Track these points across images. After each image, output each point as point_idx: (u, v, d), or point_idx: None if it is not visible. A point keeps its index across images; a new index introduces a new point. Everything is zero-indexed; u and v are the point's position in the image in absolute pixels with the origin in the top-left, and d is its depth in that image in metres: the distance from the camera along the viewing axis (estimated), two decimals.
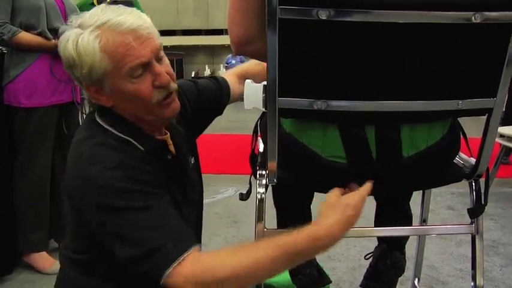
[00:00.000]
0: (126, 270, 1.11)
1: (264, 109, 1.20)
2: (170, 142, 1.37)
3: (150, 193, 1.15)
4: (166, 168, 1.31)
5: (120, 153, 1.17)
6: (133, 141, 1.24)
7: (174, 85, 1.27)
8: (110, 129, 1.24)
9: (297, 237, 1.11)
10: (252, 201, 1.33)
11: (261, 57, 1.28)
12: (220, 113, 1.67)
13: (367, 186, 1.21)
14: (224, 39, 29.13)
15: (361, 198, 1.18)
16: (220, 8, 29.52)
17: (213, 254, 1.12)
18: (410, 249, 1.88)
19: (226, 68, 13.71)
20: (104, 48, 1.15)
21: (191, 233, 1.17)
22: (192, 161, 1.49)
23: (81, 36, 1.16)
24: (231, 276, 1.07)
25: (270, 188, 1.43)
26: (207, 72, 26.70)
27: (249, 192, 1.43)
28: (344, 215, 1.14)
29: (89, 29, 1.16)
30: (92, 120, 1.28)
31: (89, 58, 1.16)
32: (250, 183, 1.40)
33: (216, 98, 1.63)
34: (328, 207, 1.17)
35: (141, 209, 1.11)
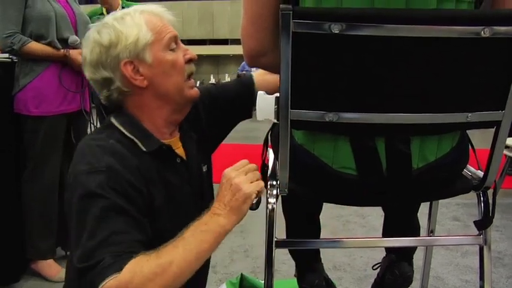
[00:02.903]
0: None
1: (276, 120, 1.22)
2: (178, 145, 1.44)
3: (118, 207, 1.17)
4: (173, 171, 1.37)
5: (111, 157, 1.22)
6: (137, 141, 1.32)
7: (194, 67, 1.42)
8: (120, 127, 1.33)
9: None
10: (258, 211, 1.34)
11: (273, 69, 1.29)
12: (247, 114, 1.71)
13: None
14: (229, 49, 29.17)
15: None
16: (225, 18, 29.61)
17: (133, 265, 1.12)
18: (416, 259, 1.88)
19: (238, 76, 13.70)
20: (148, 21, 1.33)
21: (131, 250, 1.15)
22: (205, 168, 1.54)
23: (127, 15, 1.33)
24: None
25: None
26: (212, 81, 26.74)
27: (259, 202, 1.44)
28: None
29: (130, 12, 1.34)
30: (108, 122, 1.38)
31: (135, 29, 1.30)
32: None
33: (237, 96, 1.68)
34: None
35: (101, 218, 1.14)
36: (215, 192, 1.32)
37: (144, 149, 1.31)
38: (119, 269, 1.08)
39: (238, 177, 1.26)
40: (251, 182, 1.26)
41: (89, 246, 1.12)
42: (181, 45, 1.40)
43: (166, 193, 1.32)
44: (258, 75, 1.73)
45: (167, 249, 1.15)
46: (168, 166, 1.37)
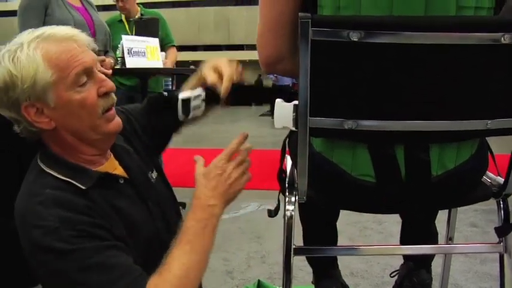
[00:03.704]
0: None
1: (294, 128, 1.22)
2: (115, 165, 1.33)
3: (93, 249, 1.10)
4: (119, 195, 1.27)
5: (58, 208, 1.11)
6: (73, 182, 1.18)
7: (114, 97, 1.26)
8: (50, 171, 1.19)
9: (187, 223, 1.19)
10: (274, 217, 1.35)
11: (290, 75, 1.30)
12: (172, 121, 1.59)
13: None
14: (244, 55, 29.26)
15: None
16: (241, 23, 29.70)
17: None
18: (435, 266, 1.87)
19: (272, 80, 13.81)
20: (46, 56, 1.12)
21: (139, 275, 1.13)
22: (154, 175, 1.44)
23: (18, 51, 1.11)
24: None
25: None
26: None
27: (277, 208, 1.44)
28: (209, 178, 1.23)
29: (26, 41, 1.13)
30: (34, 165, 1.24)
31: (31, 69, 1.10)
32: (278, 200, 1.42)
33: (150, 108, 1.60)
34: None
35: (86, 269, 1.08)
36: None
37: (83, 187, 1.18)
38: None
39: (235, 170, 1.24)
40: (243, 173, 1.26)
41: None
42: (98, 75, 1.20)
43: (122, 223, 1.22)
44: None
45: (177, 258, 1.13)
46: (113, 192, 1.26)
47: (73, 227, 1.09)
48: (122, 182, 1.29)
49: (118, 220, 1.21)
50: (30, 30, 1.17)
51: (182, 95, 1.47)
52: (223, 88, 1.40)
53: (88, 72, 1.17)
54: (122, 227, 1.20)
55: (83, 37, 1.20)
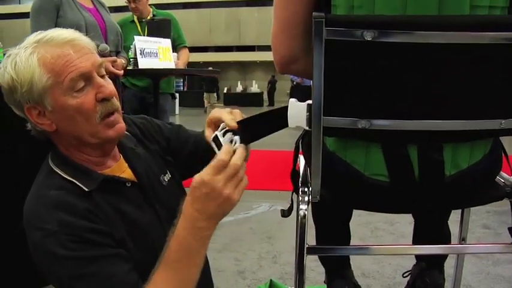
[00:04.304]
0: None
1: (307, 128, 1.22)
2: (124, 168, 1.32)
3: (90, 258, 1.10)
4: (123, 199, 1.25)
5: (59, 211, 1.11)
6: (77, 183, 1.18)
7: (117, 103, 1.24)
8: (58, 171, 1.20)
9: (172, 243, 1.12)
10: (286, 218, 1.34)
11: (304, 75, 1.30)
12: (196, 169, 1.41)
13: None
14: (255, 56, 29.33)
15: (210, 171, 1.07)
16: (252, 24, 29.73)
17: None
18: (447, 267, 1.86)
19: (292, 82, 13.55)
20: (42, 61, 1.13)
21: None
22: (167, 178, 1.41)
23: (18, 56, 1.14)
24: None
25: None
26: (239, 88, 26.82)
27: (290, 208, 1.44)
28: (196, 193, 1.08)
29: (23, 47, 1.15)
30: (45, 164, 1.25)
31: (27, 74, 1.12)
32: (292, 199, 1.42)
33: (193, 149, 1.51)
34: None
35: (80, 277, 1.08)
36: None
37: (86, 189, 1.17)
38: None
39: (226, 187, 1.06)
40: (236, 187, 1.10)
41: None
42: (97, 80, 1.19)
43: (125, 226, 1.21)
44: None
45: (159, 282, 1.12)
46: (119, 195, 1.25)
47: (71, 232, 1.09)
48: (128, 185, 1.28)
49: (120, 224, 1.20)
50: (35, 33, 1.18)
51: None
52: (230, 122, 1.17)
53: (86, 77, 1.16)
54: (124, 231, 1.20)
55: (85, 41, 1.20)
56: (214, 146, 1.15)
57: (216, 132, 1.16)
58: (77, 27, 2.66)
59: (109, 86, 1.21)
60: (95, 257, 1.10)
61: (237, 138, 1.12)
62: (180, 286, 1.12)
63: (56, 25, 2.69)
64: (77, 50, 1.16)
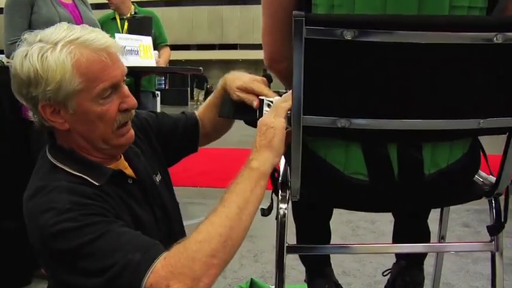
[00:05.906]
0: None
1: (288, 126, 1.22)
2: (125, 166, 1.33)
3: (102, 222, 1.08)
4: (128, 194, 1.27)
5: (71, 195, 1.11)
6: (87, 177, 1.18)
7: (133, 112, 1.27)
8: (61, 166, 1.19)
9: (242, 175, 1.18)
10: (267, 217, 1.34)
11: (289, 75, 1.30)
12: (193, 148, 1.65)
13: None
14: (238, 54, 29.29)
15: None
16: (235, 23, 29.70)
17: (183, 245, 1.07)
18: (427, 266, 1.87)
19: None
20: (77, 64, 1.10)
21: (156, 243, 1.10)
22: (158, 178, 1.43)
23: (51, 50, 1.09)
24: (209, 255, 1.04)
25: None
26: None
27: (270, 207, 1.44)
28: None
29: (60, 43, 1.10)
30: (43, 159, 1.23)
31: (58, 73, 1.09)
32: (272, 199, 1.42)
33: (183, 129, 1.59)
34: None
35: (97, 238, 1.05)
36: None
37: (97, 184, 1.18)
38: (152, 258, 1.03)
39: (267, 117, 1.22)
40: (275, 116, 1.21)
41: (107, 263, 1.04)
42: (123, 89, 1.20)
43: (131, 218, 1.23)
44: (199, 112, 1.66)
45: (206, 220, 1.10)
46: (124, 190, 1.26)
47: (84, 207, 1.08)
48: (130, 182, 1.30)
49: (127, 216, 1.21)
50: (66, 26, 1.16)
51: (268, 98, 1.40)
52: (269, 94, 1.38)
53: (115, 86, 1.17)
54: (130, 222, 1.20)
55: (117, 47, 1.19)
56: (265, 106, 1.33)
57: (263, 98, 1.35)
58: (51, 23, 2.65)
59: (132, 97, 1.23)
60: (111, 221, 1.10)
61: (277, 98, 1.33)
62: (231, 225, 1.11)
63: (31, 21, 2.67)
64: (112, 57, 1.16)
